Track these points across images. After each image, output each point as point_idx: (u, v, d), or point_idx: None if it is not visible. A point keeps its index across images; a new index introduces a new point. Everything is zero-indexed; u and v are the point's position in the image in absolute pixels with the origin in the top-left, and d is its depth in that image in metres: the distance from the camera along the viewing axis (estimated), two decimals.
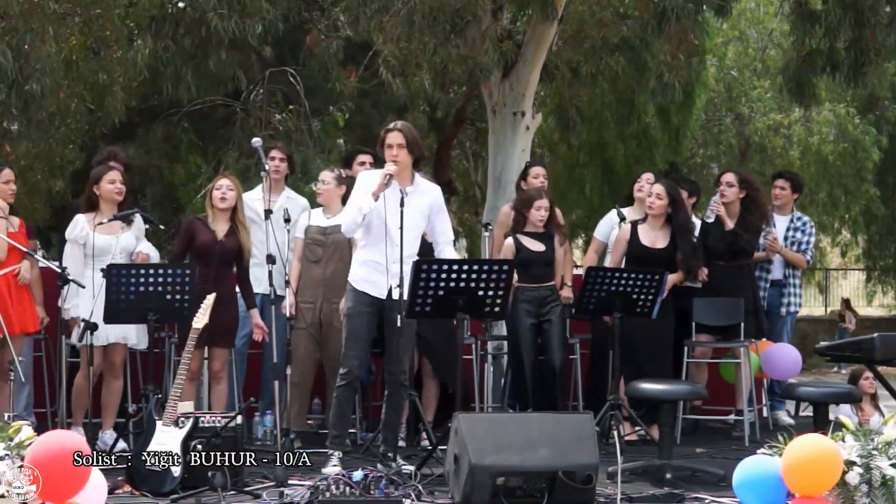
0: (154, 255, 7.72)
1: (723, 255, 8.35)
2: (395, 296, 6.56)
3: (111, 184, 7.43)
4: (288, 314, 7.74)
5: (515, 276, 7.99)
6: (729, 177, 8.50)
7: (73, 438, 5.07)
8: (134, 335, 7.42)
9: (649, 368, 7.57)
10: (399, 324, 6.51)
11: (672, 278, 7.85)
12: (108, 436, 7.39)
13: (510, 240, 8.07)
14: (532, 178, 8.58)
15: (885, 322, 24.37)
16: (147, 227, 8.07)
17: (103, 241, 7.33)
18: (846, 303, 23.80)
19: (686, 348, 8.22)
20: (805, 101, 11.95)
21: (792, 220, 9.00)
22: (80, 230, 7.37)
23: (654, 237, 7.99)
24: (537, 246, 8.02)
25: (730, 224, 8.31)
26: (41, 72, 9.62)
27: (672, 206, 7.94)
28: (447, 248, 6.91)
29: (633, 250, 7.99)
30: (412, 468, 6.47)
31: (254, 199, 8.16)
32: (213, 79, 11.73)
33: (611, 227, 8.65)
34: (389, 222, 6.56)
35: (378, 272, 6.62)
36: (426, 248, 7.20)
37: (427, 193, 6.81)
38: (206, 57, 11.19)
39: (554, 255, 8.05)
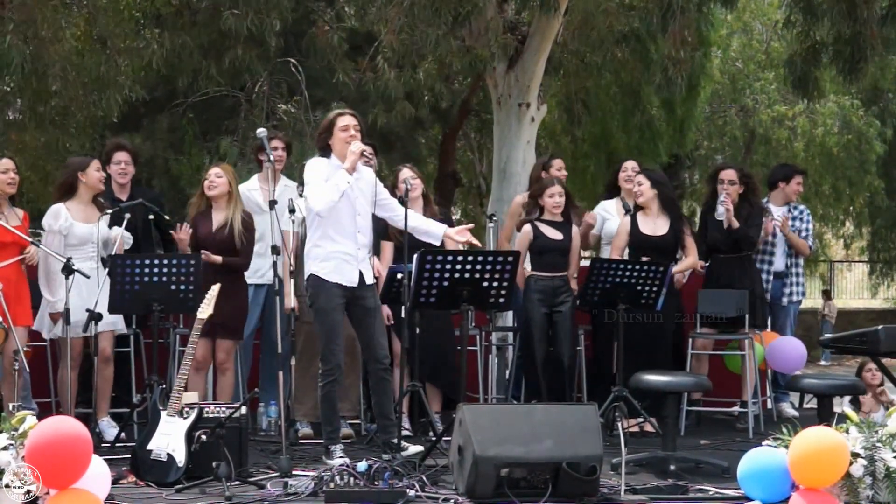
0: (128, 239, 7.65)
1: (723, 248, 8.35)
2: (368, 281, 6.66)
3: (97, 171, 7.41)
4: (297, 311, 7.63)
5: (528, 265, 7.99)
6: (731, 174, 8.40)
7: (71, 424, 5.06)
8: (120, 321, 7.41)
9: (648, 359, 7.54)
10: (403, 314, 6.54)
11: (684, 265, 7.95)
12: (104, 423, 7.37)
13: (528, 226, 8.02)
14: (555, 170, 8.61)
15: (889, 314, 24.36)
16: (151, 217, 8.05)
17: (84, 230, 7.25)
18: (826, 294, 24.06)
19: (689, 340, 8.23)
20: (808, 93, 11.93)
21: (789, 210, 9.01)
22: (62, 220, 7.31)
23: (654, 225, 8.00)
24: (555, 234, 7.98)
25: (736, 223, 8.26)
26: (60, 66, 9.60)
27: (658, 189, 7.98)
28: (411, 213, 6.86)
29: (634, 239, 8.00)
30: (418, 448, 6.51)
31: (251, 190, 8.12)
32: (230, 71, 11.75)
33: (602, 220, 8.64)
34: (354, 212, 6.61)
35: (346, 262, 6.61)
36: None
37: (366, 177, 6.79)
38: (224, 51, 11.19)
39: (570, 245, 8.01)
